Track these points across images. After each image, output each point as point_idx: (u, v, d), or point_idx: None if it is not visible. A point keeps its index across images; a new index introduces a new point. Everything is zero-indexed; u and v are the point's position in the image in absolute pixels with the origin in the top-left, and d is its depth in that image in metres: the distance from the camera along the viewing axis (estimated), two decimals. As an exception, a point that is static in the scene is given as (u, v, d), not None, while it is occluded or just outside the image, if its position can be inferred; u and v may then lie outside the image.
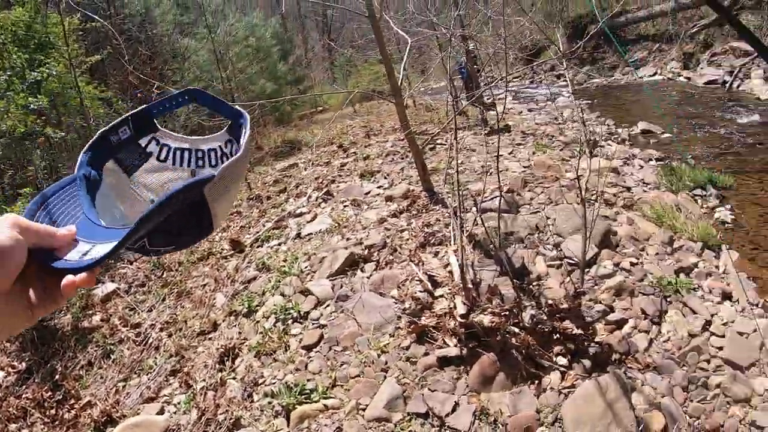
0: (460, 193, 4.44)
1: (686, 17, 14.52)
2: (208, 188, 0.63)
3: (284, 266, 4.77)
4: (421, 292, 3.85)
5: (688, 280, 3.87)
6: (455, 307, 3.48)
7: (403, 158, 7.26)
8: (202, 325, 4.39)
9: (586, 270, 3.90)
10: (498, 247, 4.15)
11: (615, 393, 2.80)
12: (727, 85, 11.38)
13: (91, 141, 0.76)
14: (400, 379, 3.19)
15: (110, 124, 0.79)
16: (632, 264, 4.01)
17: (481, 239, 4.35)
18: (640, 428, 2.71)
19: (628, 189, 5.60)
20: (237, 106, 0.85)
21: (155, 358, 4.20)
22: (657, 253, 4.21)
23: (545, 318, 3.34)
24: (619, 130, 8.77)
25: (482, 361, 3.11)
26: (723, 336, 3.35)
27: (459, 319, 3.35)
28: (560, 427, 2.79)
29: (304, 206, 6.30)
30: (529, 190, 5.36)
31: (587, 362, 3.11)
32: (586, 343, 3.21)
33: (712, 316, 3.53)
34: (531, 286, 3.81)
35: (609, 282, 3.77)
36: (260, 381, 3.51)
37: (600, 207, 4.40)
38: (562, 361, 3.12)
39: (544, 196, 5.20)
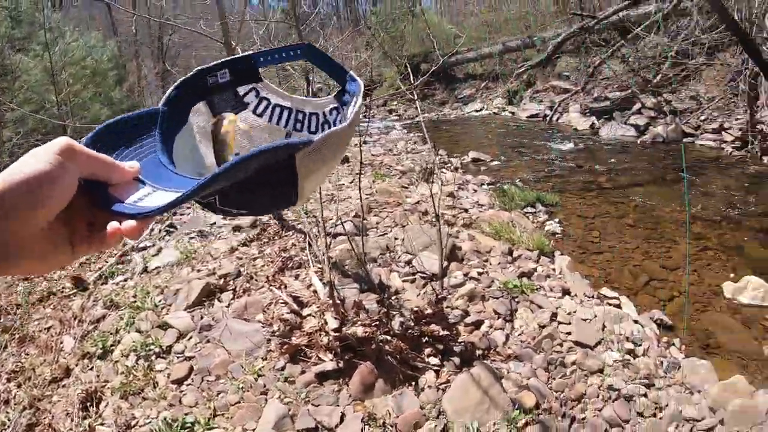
0: (312, 218, 4.72)
1: (510, 59, 16.51)
2: (301, 155, 0.57)
3: (136, 302, 4.49)
4: (288, 313, 3.91)
5: (531, 282, 4.48)
6: (327, 323, 3.62)
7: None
8: (53, 371, 3.87)
9: (436, 281, 4.31)
10: (361, 263, 4.33)
11: (487, 381, 3.15)
12: (548, 118, 13.21)
13: (185, 77, 0.69)
14: (283, 399, 3.19)
15: (210, 64, 0.73)
16: (479, 273, 4.51)
17: (337, 261, 4.55)
18: (516, 407, 3.06)
19: (466, 210, 6.28)
20: (352, 72, 0.77)
21: (6, 413, 3.59)
22: (499, 263, 4.80)
23: (413, 324, 3.60)
24: (452, 159, 9.63)
25: (361, 370, 3.24)
26: (569, 323, 3.95)
27: (333, 333, 3.48)
28: (444, 418, 3.04)
29: (147, 239, 5.94)
30: (374, 215, 5.80)
31: (456, 359, 3.42)
32: (452, 343, 3.54)
33: (557, 308, 4.12)
34: (392, 300, 4.07)
35: (461, 290, 4.20)
36: (133, 423, 3.23)
37: (443, 226, 4.86)
38: (434, 360, 3.39)
39: (390, 219, 5.66)
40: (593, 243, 5.75)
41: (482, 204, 6.64)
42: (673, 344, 4.08)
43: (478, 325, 3.85)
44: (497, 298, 4.14)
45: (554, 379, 3.45)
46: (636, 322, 4.17)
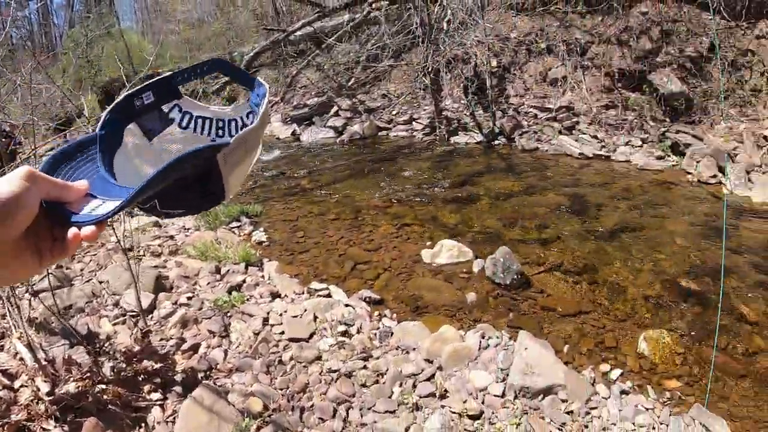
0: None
1: (213, 75, 15.98)
2: (221, 155, 0.65)
3: None
4: (0, 390, 3.28)
5: (240, 294, 4.41)
6: (39, 389, 3.19)
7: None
8: None
9: (150, 315, 4.10)
10: (62, 318, 3.82)
11: (211, 400, 3.03)
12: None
13: (115, 102, 0.77)
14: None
15: (135, 89, 0.80)
16: (189, 298, 4.32)
17: (42, 320, 4.05)
18: (245, 415, 3.01)
19: (172, 237, 5.90)
20: (259, 78, 0.88)
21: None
22: (209, 283, 4.64)
23: (125, 365, 3.33)
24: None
25: (86, 427, 2.92)
26: (281, 323, 3.96)
27: (47, 398, 3.09)
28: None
29: None
30: (77, 261, 5.23)
31: (179, 388, 3.22)
32: (170, 374, 3.34)
33: (268, 313, 4.11)
34: (104, 346, 3.72)
35: (173, 319, 3.98)
36: None
37: (148, 259, 4.86)
38: (156, 396, 3.17)
39: (93, 263, 5.19)
40: (299, 243, 5.90)
41: (188, 228, 6.36)
42: (385, 315, 4.36)
43: (195, 348, 3.68)
44: (210, 318, 4.01)
45: (276, 378, 3.43)
46: (347, 305, 4.35)
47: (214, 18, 19.50)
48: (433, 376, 3.53)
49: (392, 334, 3.95)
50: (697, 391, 3.70)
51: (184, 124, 0.87)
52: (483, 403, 3.36)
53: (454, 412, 3.24)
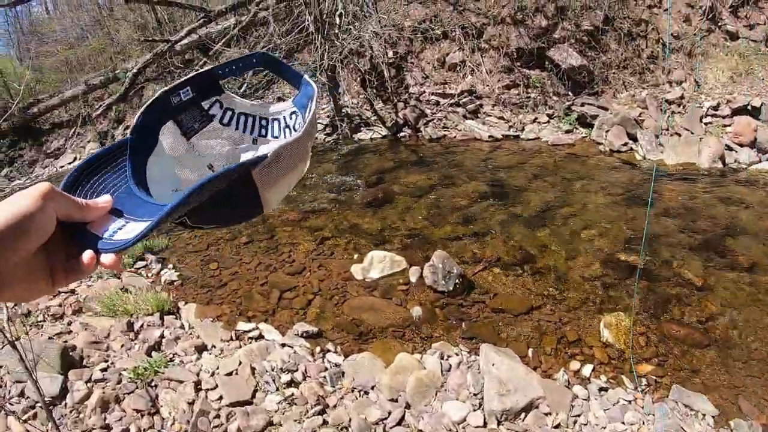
0: None
1: (97, 97, 14.51)
2: (258, 170, 0.61)
3: None
4: None
5: (162, 355, 3.65)
6: None
7: None
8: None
9: (63, 402, 3.23)
10: None
11: None
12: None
13: (149, 101, 0.73)
14: None
15: (172, 84, 0.76)
16: (104, 370, 3.47)
17: None
18: None
19: (73, 291, 4.91)
20: (306, 76, 0.81)
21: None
22: (123, 345, 3.83)
23: None
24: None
25: None
26: (216, 386, 3.26)
27: None
28: None
29: None
30: None
31: None
32: None
33: (198, 374, 3.39)
34: None
35: (90, 402, 3.14)
36: None
37: (50, 324, 4.09)
38: None
39: None
40: (214, 277, 5.15)
41: (89, 276, 5.31)
42: (328, 350, 3.83)
43: None
44: (132, 392, 3.21)
45: None
46: (284, 345, 3.78)
47: (93, 35, 17.65)
48: (403, 418, 3.05)
49: (344, 374, 3.42)
50: (670, 371, 3.59)
51: (225, 120, 0.83)
52: (466, 439, 2.95)
53: (439, 460, 2.80)
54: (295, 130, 0.74)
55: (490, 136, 8.53)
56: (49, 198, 0.52)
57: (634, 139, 7.15)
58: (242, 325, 4.11)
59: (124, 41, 16.66)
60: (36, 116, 15.18)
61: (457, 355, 3.66)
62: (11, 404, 3.22)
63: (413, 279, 4.73)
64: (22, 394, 3.30)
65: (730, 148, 6.40)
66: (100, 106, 13.44)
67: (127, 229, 0.55)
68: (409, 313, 4.32)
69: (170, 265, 5.37)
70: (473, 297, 4.49)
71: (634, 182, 6.34)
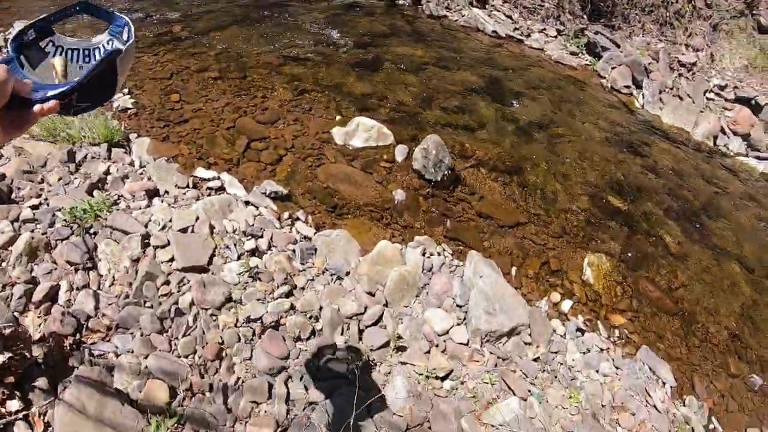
0: None
1: None
2: (119, 59, 0.90)
3: None
4: None
5: (105, 195, 2.95)
6: None
7: None
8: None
9: None
10: None
11: (94, 399, 1.88)
12: None
13: (13, 35, 0.97)
14: None
15: (20, 28, 0.99)
16: (34, 207, 2.74)
17: None
18: (148, 414, 1.93)
19: None
20: (116, 12, 1.08)
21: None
22: (60, 179, 3.09)
23: None
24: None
25: None
26: (168, 243, 2.64)
27: None
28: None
29: None
30: None
31: (42, 381, 1.92)
32: (27, 356, 1.97)
33: (146, 226, 2.77)
34: None
35: (16, 247, 2.43)
36: None
37: None
38: (14, 405, 1.85)
39: None
40: (175, 111, 4.35)
41: None
42: (298, 218, 3.32)
43: (53, 296, 2.28)
44: (67, 239, 2.54)
45: (177, 339, 2.25)
46: (248, 203, 3.23)
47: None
48: (381, 317, 2.64)
49: (315, 250, 2.92)
50: (640, 328, 3.49)
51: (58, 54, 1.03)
52: (447, 354, 2.60)
53: (419, 373, 2.42)
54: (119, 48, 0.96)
55: (493, 32, 7.74)
56: (8, 73, 0.74)
57: (638, 86, 6.71)
58: (201, 172, 3.50)
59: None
60: None
61: (439, 254, 3.29)
62: None
63: (399, 158, 4.23)
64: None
65: (723, 132, 6.21)
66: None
67: (51, 91, 0.81)
68: (390, 194, 3.87)
69: (125, 90, 4.41)
70: (459, 194, 4.11)
71: (628, 127, 5.98)
